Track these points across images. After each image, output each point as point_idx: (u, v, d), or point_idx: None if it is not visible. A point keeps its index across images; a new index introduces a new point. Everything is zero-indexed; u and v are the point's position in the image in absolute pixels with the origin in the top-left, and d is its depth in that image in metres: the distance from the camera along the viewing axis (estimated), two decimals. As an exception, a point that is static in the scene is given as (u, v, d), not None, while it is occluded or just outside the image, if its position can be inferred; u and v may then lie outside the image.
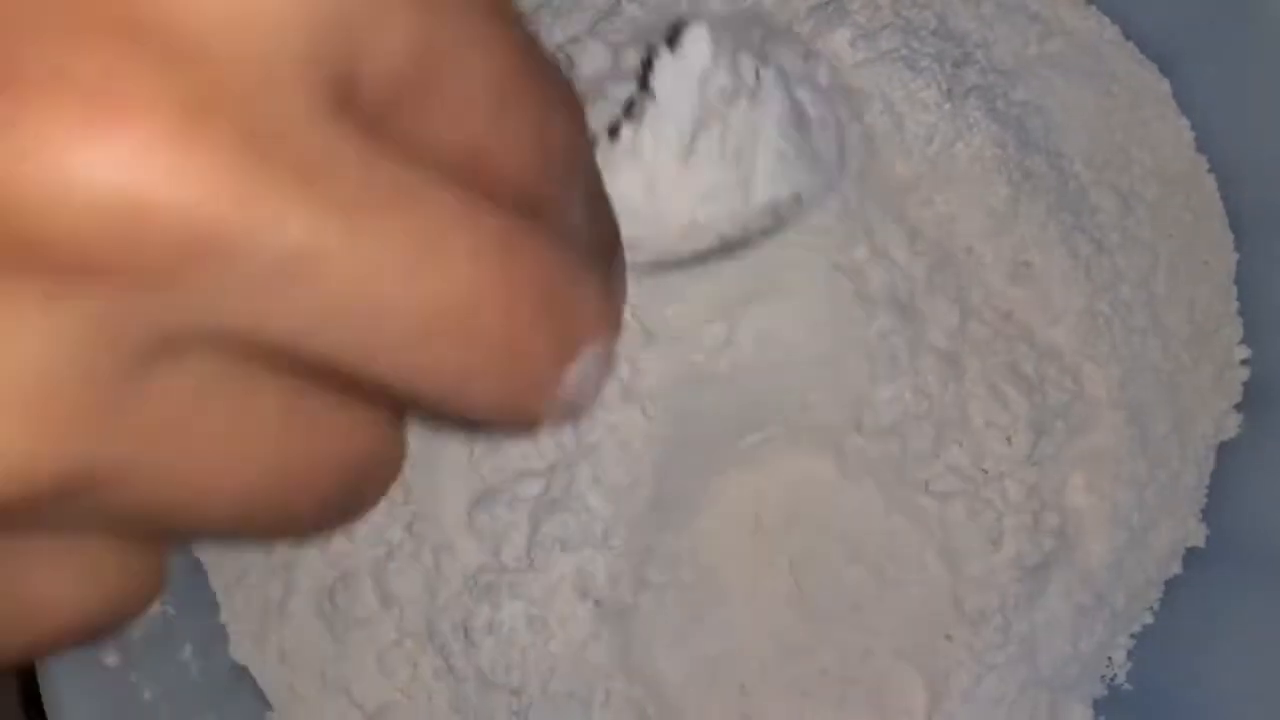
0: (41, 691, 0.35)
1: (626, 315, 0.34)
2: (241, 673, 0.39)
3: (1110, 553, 0.38)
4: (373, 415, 0.16)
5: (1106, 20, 0.41)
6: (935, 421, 0.36)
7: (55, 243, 0.11)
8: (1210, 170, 0.41)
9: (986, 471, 0.36)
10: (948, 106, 0.37)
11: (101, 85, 0.11)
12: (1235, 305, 0.40)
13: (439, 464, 0.36)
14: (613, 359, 0.17)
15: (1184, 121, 0.41)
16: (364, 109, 0.13)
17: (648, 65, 0.30)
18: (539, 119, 0.16)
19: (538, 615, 0.35)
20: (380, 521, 0.37)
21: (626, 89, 0.35)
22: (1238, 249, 0.40)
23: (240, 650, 0.39)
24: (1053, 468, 0.37)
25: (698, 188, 0.30)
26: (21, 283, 0.12)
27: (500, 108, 0.15)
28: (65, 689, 0.34)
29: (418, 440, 0.36)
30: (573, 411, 0.16)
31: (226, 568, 0.38)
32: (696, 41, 0.29)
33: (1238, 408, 0.40)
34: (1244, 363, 0.40)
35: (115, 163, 0.11)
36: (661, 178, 0.30)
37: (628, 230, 0.21)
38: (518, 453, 0.36)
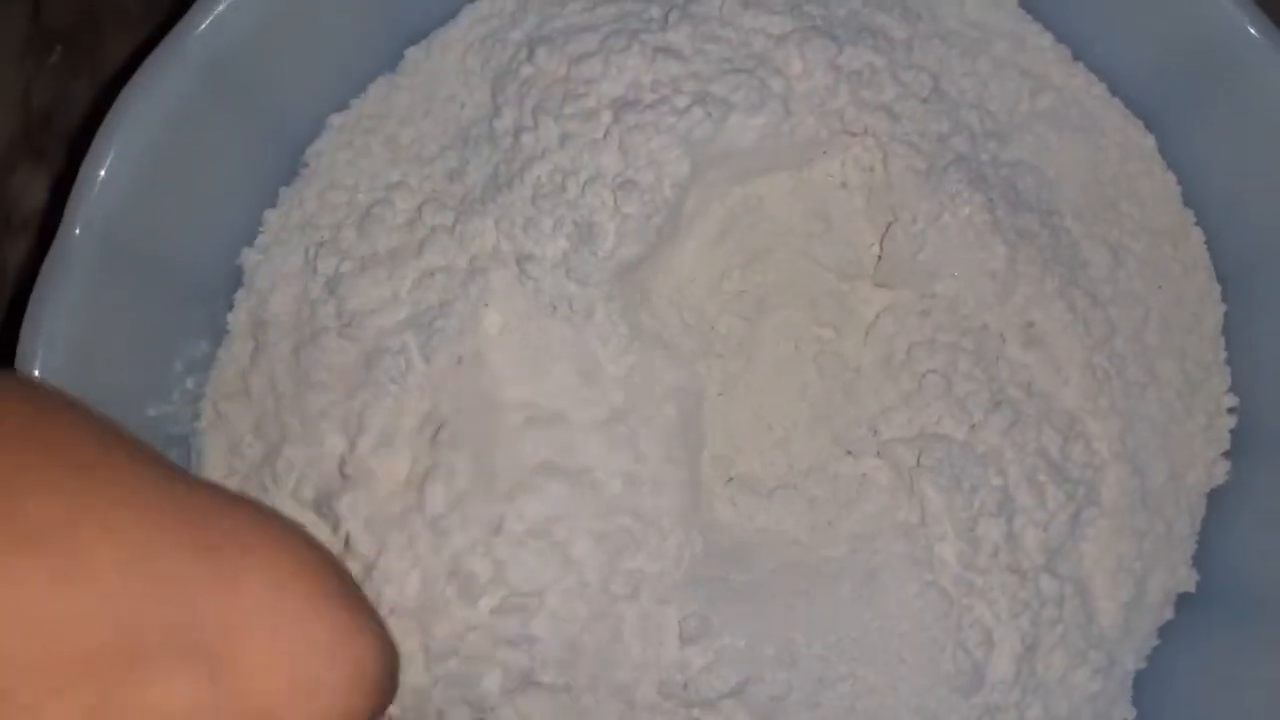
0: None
1: None
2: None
3: (1119, 610, 0.38)
4: None
5: (1094, 77, 0.42)
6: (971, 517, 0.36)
7: None
8: (1197, 223, 0.42)
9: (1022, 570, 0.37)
10: (927, 186, 0.38)
11: None
12: (1223, 355, 0.41)
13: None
14: None
15: (1170, 176, 0.42)
16: None
17: None
18: None
19: None
20: None
21: None
22: (1225, 300, 0.41)
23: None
24: (1069, 533, 0.37)
25: None
26: None
27: None
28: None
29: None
30: None
31: None
32: None
33: (1226, 455, 0.41)
34: (1231, 411, 0.41)
35: None
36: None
37: None
38: None
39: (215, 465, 0.39)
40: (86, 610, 0.14)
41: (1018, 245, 0.38)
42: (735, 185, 0.39)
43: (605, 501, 0.35)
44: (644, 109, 0.37)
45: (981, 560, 0.36)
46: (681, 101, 0.37)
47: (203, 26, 0.37)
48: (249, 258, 0.41)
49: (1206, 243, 0.42)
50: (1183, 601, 0.41)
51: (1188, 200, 0.42)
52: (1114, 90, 0.42)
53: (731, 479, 0.38)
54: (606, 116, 0.37)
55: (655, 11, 0.40)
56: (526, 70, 0.39)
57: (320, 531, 0.37)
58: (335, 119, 0.42)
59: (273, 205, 0.41)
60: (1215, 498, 0.41)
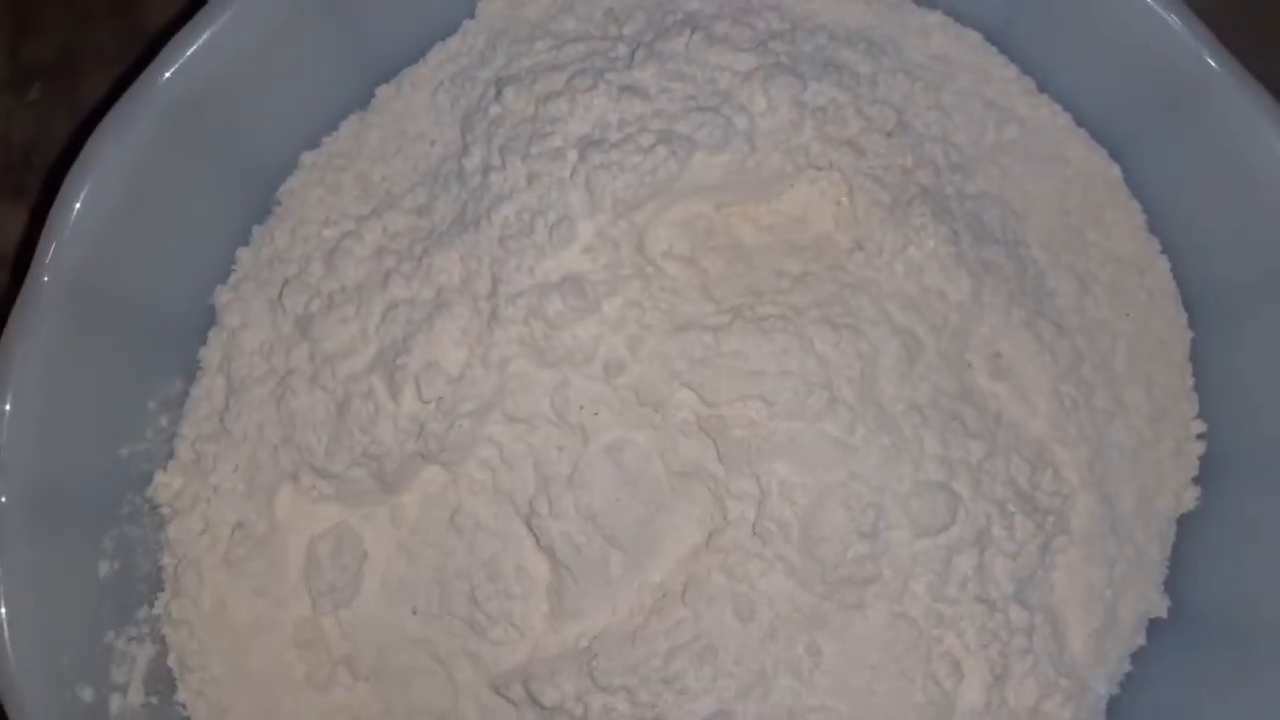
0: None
1: None
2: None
3: (1090, 637, 0.38)
4: None
5: (1059, 108, 0.42)
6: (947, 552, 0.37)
7: None
8: (1163, 251, 0.42)
9: (991, 600, 0.37)
10: (891, 220, 0.38)
11: None
12: (1191, 381, 0.41)
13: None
14: None
15: (1135, 204, 0.42)
16: None
17: None
18: None
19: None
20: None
21: None
22: (1192, 327, 0.42)
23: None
24: (1039, 562, 0.37)
25: None
26: None
27: None
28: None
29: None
30: None
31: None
32: None
33: (1195, 481, 0.41)
34: (1200, 437, 0.41)
35: None
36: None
37: None
38: None
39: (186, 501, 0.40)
40: None
41: (983, 277, 0.39)
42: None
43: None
44: (610, 148, 0.37)
45: (951, 591, 0.36)
46: (647, 140, 0.38)
47: (171, 71, 0.37)
48: (221, 295, 0.41)
49: (1173, 270, 0.42)
50: (1154, 627, 0.41)
51: (1153, 228, 0.42)
52: (1079, 121, 0.42)
53: None
54: (573, 155, 0.38)
55: (622, 50, 0.40)
56: (495, 109, 0.40)
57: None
58: (307, 157, 0.42)
59: (245, 243, 0.42)
60: (1185, 523, 0.42)
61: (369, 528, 0.40)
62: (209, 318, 0.41)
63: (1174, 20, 0.38)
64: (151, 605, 0.39)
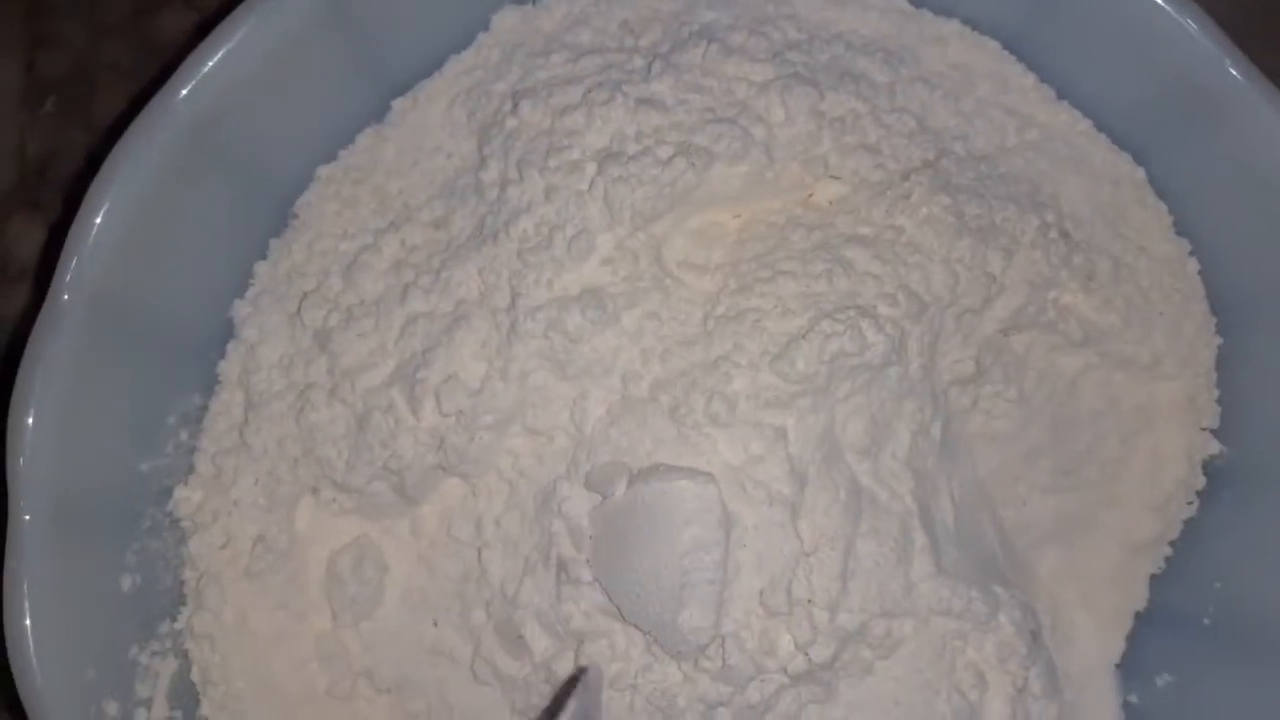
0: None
1: None
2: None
3: (1105, 648, 0.39)
4: None
5: (1079, 114, 0.42)
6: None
7: None
8: (1192, 254, 0.42)
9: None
10: (891, 189, 0.38)
11: None
12: (1215, 393, 0.41)
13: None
14: None
15: (1163, 206, 0.42)
16: None
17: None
18: None
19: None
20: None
21: None
22: (1220, 332, 0.41)
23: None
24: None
25: None
26: None
27: None
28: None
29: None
30: None
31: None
32: None
33: (1208, 488, 0.41)
34: (1218, 441, 0.41)
35: None
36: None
37: None
38: None
39: (207, 514, 0.40)
40: None
41: (988, 237, 0.38)
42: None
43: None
44: (628, 160, 0.37)
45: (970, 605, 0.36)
46: (665, 152, 0.37)
47: (188, 88, 0.37)
48: (239, 309, 0.41)
49: (1200, 273, 0.41)
50: (1178, 630, 0.41)
51: (1180, 231, 0.42)
52: (1099, 129, 0.42)
53: None
54: (591, 169, 0.38)
55: (638, 62, 0.40)
56: (511, 123, 0.40)
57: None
58: (323, 170, 0.42)
59: (263, 257, 0.42)
60: (1204, 529, 0.41)
61: (389, 540, 0.40)
62: (227, 332, 0.41)
63: (1193, 27, 0.38)
64: (174, 619, 0.39)
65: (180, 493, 0.40)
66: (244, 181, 0.40)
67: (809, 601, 0.35)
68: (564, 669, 0.36)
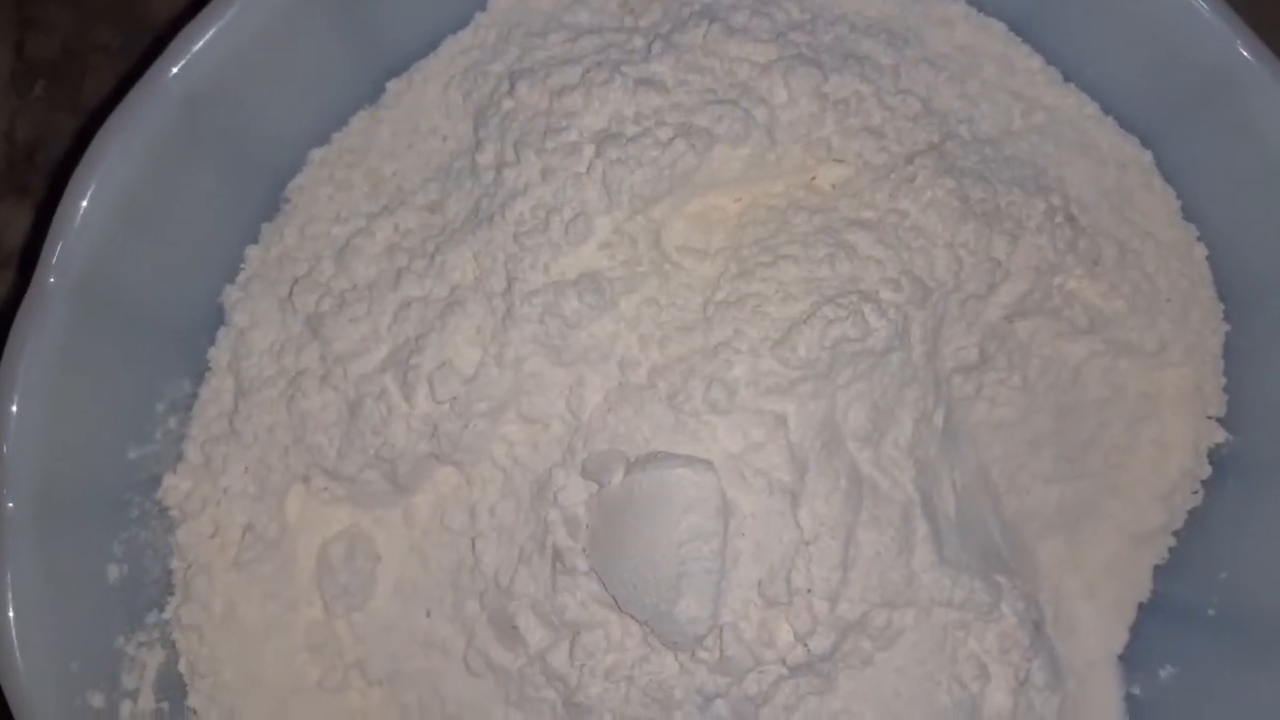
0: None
1: None
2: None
3: (1109, 640, 0.38)
4: None
5: (1086, 97, 0.41)
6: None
7: None
8: (1200, 239, 0.41)
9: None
10: (895, 173, 0.37)
11: None
12: (1223, 381, 0.41)
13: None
14: None
15: (1170, 190, 0.41)
16: None
17: None
18: None
19: None
20: None
21: None
22: (1228, 319, 0.41)
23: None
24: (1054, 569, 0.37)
25: None
26: None
27: None
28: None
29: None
30: None
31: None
32: None
33: (1213, 478, 0.41)
34: (1225, 427, 0.41)
35: None
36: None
37: None
38: None
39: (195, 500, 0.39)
40: None
41: (993, 220, 0.37)
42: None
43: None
44: (627, 142, 0.37)
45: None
46: (665, 134, 0.37)
47: (178, 66, 0.36)
48: (230, 294, 0.40)
49: (1208, 259, 0.41)
50: (1182, 621, 0.40)
51: (1188, 215, 0.41)
52: (1106, 111, 0.41)
53: None
54: (589, 150, 0.37)
55: (638, 42, 0.39)
56: (508, 104, 0.39)
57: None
58: (316, 153, 0.41)
59: (254, 241, 0.41)
60: (1209, 519, 0.41)
61: (381, 530, 0.39)
62: (217, 317, 0.40)
63: (1203, 6, 0.37)
64: (162, 610, 0.38)
65: (169, 481, 0.39)
66: (235, 164, 0.40)
67: (808, 591, 0.34)
68: (559, 660, 0.36)
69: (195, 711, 0.38)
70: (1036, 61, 0.41)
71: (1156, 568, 0.41)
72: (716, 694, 0.35)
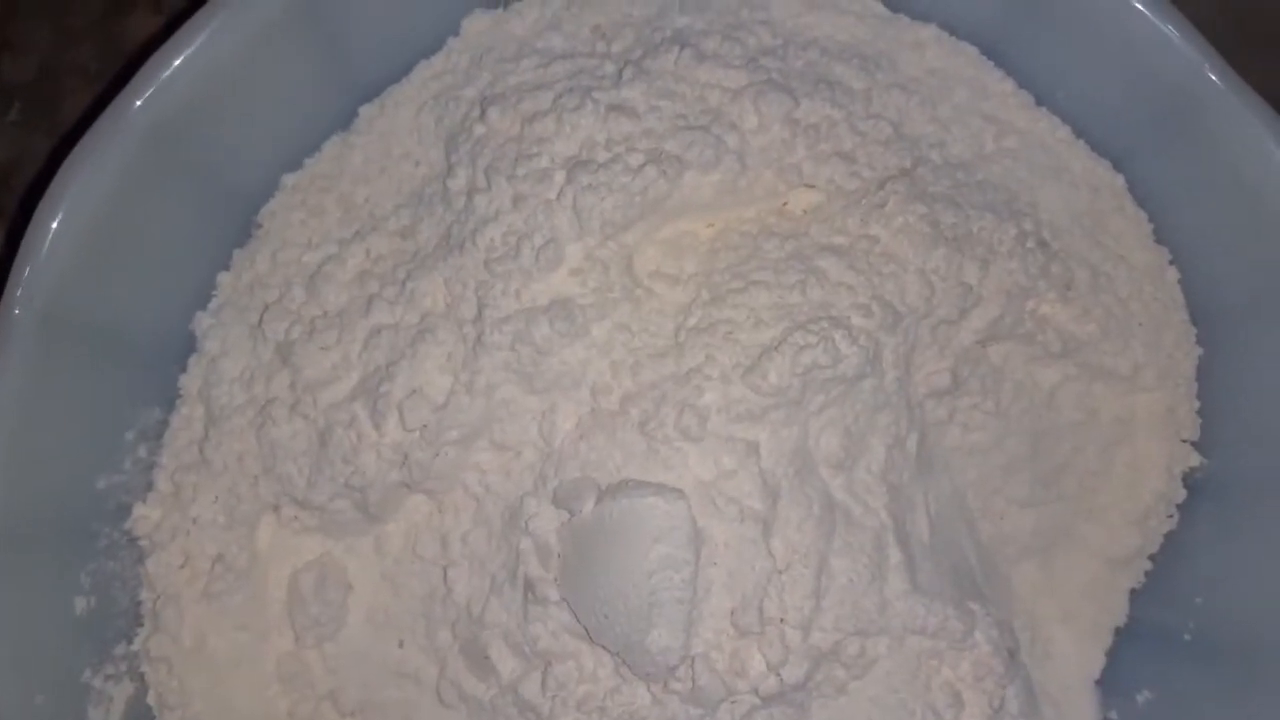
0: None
1: None
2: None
3: (1086, 665, 0.38)
4: None
5: (1058, 121, 0.41)
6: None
7: None
8: (1172, 263, 0.41)
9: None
10: (866, 198, 0.37)
11: None
12: (1196, 404, 0.41)
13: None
14: None
15: (1142, 214, 0.41)
16: None
17: None
18: None
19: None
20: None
21: None
22: (1201, 343, 0.41)
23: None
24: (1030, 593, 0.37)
25: None
26: None
27: None
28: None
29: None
30: None
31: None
32: None
33: (1186, 500, 0.41)
34: (1198, 453, 0.41)
35: None
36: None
37: None
38: None
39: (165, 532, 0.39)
40: None
41: (964, 246, 0.37)
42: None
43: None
44: (598, 168, 0.37)
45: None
46: (636, 160, 0.37)
47: (146, 94, 0.36)
48: (201, 321, 0.40)
49: (1180, 283, 0.41)
50: (1159, 646, 0.40)
51: (1159, 239, 0.41)
52: (1078, 135, 0.41)
53: None
54: (560, 176, 0.37)
55: (610, 68, 0.39)
56: (479, 129, 0.39)
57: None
58: (289, 179, 0.41)
59: (226, 268, 0.41)
60: (1184, 543, 0.41)
61: (352, 559, 0.39)
62: (188, 345, 0.40)
63: (1172, 33, 0.37)
64: (130, 642, 0.38)
65: (138, 510, 0.39)
66: (206, 190, 0.39)
67: (781, 620, 0.34)
68: (531, 691, 0.35)
69: (164, 744, 0.38)
70: (1009, 85, 0.41)
71: (1132, 592, 0.41)
72: None
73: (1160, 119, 0.39)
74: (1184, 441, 0.41)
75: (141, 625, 0.38)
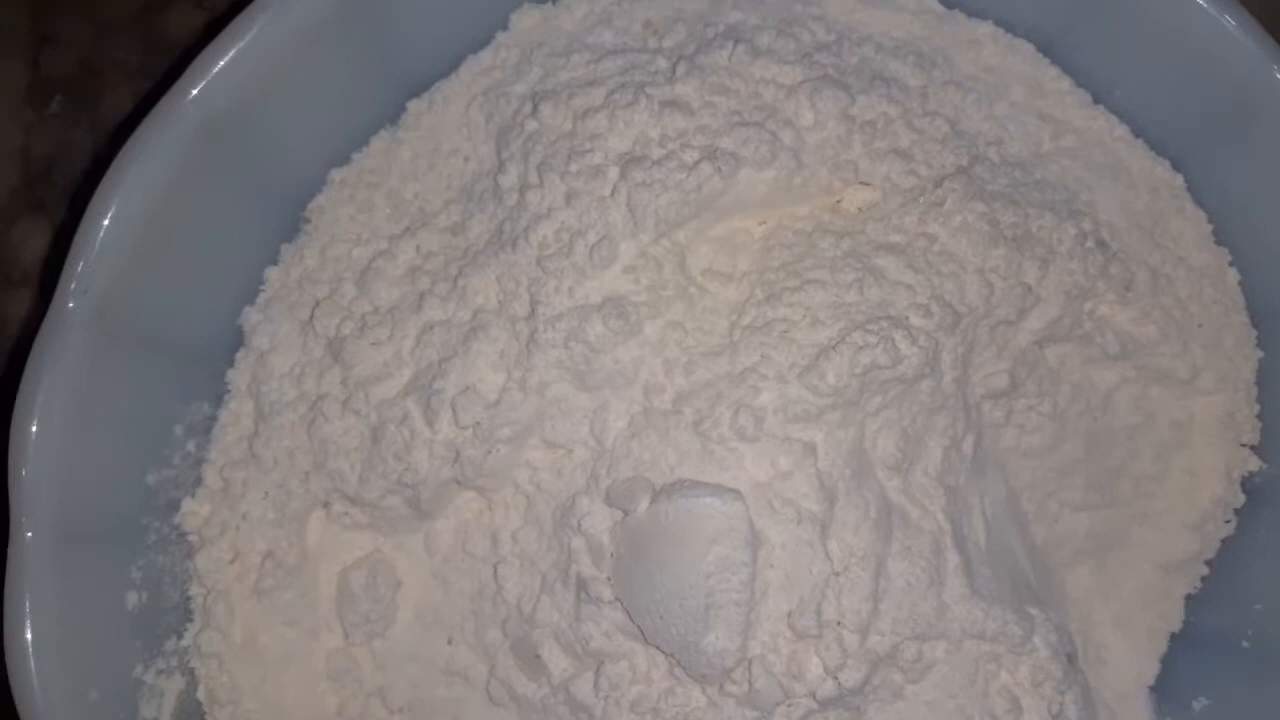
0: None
1: None
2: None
3: (1140, 674, 0.37)
4: None
5: (1116, 120, 0.41)
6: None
7: None
8: (1232, 264, 0.40)
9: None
10: (924, 196, 0.37)
11: None
12: (1257, 408, 0.40)
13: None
14: None
15: (1201, 214, 0.40)
16: None
17: None
18: None
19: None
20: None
21: None
22: (1261, 345, 0.40)
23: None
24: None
25: None
26: None
27: None
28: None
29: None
30: None
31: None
32: None
33: (1247, 505, 0.40)
34: (1259, 455, 0.40)
35: None
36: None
37: None
38: None
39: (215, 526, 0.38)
40: None
41: (1024, 245, 0.37)
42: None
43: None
44: (651, 165, 0.36)
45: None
46: (690, 156, 0.36)
47: (199, 88, 0.36)
48: (249, 317, 0.40)
49: (1240, 284, 0.40)
50: (1216, 653, 0.40)
51: (1219, 239, 0.40)
52: (1136, 134, 0.41)
53: None
54: (613, 173, 0.36)
55: (662, 63, 0.39)
56: (531, 125, 0.38)
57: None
58: (336, 174, 0.41)
59: (274, 263, 0.41)
60: (1242, 549, 0.40)
61: (402, 556, 0.38)
62: (237, 340, 0.40)
63: (1236, 29, 0.37)
64: (180, 637, 0.38)
65: (187, 505, 0.38)
66: (255, 185, 0.39)
67: (839, 623, 0.34)
68: (583, 691, 0.35)
69: (214, 740, 0.38)
70: (1066, 83, 0.41)
71: (1189, 597, 0.40)
72: None
73: (1223, 118, 0.38)
74: (1243, 445, 0.40)
75: (191, 620, 0.38)
